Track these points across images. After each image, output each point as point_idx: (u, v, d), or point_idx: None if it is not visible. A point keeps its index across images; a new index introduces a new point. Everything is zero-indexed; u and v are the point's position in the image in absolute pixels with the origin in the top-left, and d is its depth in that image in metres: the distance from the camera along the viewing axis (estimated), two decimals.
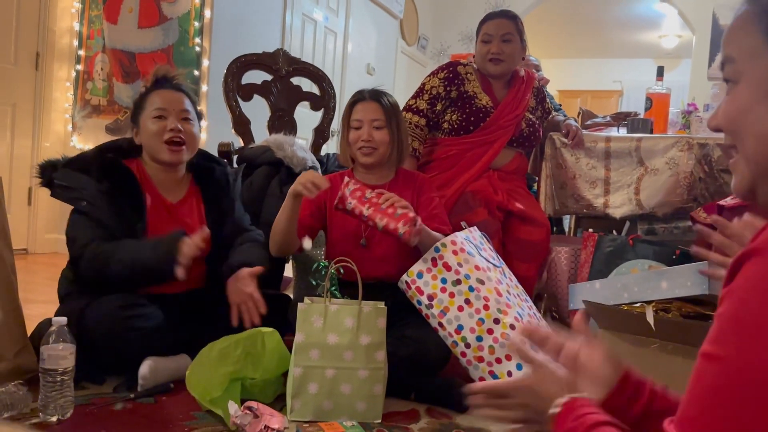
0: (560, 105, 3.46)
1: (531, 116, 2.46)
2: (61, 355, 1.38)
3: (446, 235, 1.83)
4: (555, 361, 0.84)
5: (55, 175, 1.75)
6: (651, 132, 2.55)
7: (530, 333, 0.88)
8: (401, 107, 2.43)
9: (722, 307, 0.55)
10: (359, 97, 1.95)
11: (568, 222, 3.31)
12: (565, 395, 0.75)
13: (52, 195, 1.77)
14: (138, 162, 1.86)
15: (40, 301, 2.41)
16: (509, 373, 1.66)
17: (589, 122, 3.01)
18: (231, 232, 1.93)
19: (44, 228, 4.01)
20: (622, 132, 2.65)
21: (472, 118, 2.35)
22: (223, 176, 1.98)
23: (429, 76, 2.44)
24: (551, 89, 3.81)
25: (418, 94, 2.41)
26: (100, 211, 1.70)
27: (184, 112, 1.84)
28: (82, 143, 3.91)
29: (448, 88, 2.38)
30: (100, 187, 1.72)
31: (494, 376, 1.68)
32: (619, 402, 0.76)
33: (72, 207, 1.76)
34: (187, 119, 1.84)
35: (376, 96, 1.93)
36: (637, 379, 0.79)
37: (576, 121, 2.78)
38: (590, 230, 2.34)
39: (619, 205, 2.45)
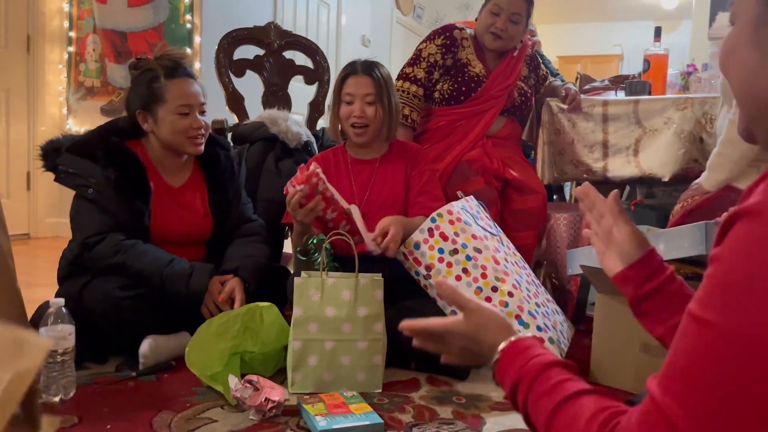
0: (557, 70, 3.41)
1: (523, 85, 2.43)
2: (60, 335, 1.39)
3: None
4: (598, 223, 0.94)
5: (59, 161, 1.72)
6: (649, 94, 2.51)
7: (585, 194, 0.97)
8: (396, 75, 2.40)
9: (711, 268, 0.54)
10: (351, 71, 1.91)
11: (569, 189, 3.29)
12: (504, 339, 0.76)
13: (56, 180, 1.74)
14: (141, 145, 1.83)
15: (42, 285, 2.42)
16: None
17: (587, 87, 2.97)
18: (235, 220, 1.92)
19: (45, 212, 4.02)
20: (621, 95, 2.61)
21: (464, 88, 2.31)
22: (228, 163, 1.94)
23: (425, 41, 2.40)
24: (550, 55, 3.74)
25: (415, 61, 2.37)
26: (108, 200, 1.68)
27: (203, 105, 1.81)
28: (78, 126, 3.89)
29: (445, 56, 2.34)
30: (106, 173, 1.69)
31: None
32: (638, 275, 0.87)
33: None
34: (203, 111, 1.82)
35: (368, 69, 1.89)
36: (660, 260, 0.87)
37: (574, 85, 2.74)
38: None
39: (618, 169, 2.43)
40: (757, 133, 0.64)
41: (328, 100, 2.88)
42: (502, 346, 0.76)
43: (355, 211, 1.69)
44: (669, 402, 0.54)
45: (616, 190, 0.93)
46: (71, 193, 1.77)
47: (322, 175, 1.60)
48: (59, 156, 1.73)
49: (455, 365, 1.65)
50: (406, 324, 0.85)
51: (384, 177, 1.93)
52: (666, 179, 2.31)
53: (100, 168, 1.70)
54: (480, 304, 0.83)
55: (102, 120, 3.69)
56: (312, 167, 1.60)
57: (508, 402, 0.74)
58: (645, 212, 2.18)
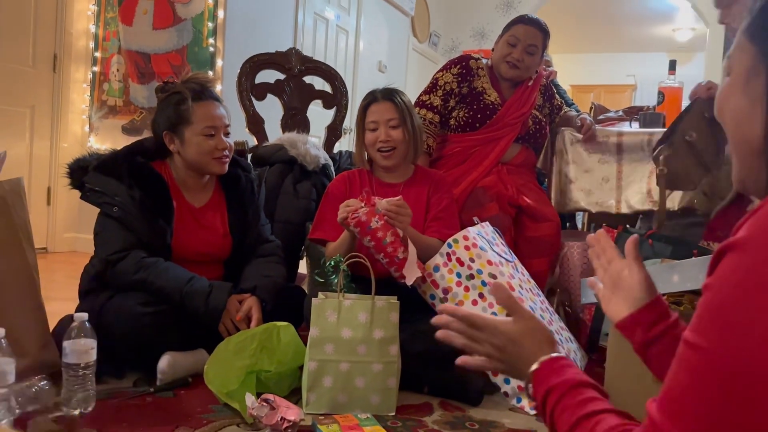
0: (572, 100, 3.45)
1: (538, 114, 2.47)
2: (82, 350, 1.42)
3: (443, 240, 1.84)
4: (605, 270, 0.95)
5: (86, 179, 1.77)
6: (664, 126, 2.53)
7: (596, 240, 1.00)
8: (413, 102, 2.45)
9: (703, 297, 0.59)
10: (372, 99, 1.96)
11: (581, 218, 3.30)
12: (548, 352, 0.79)
13: (82, 198, 1.79)
14: (165, 165, 1.88)
15: (60, 299, 2.46)
16: None
17: (601, 117, 3.00)
18: (253, 241, 1.96)
19: (63, 227, 4.08)
20: (635, 127, 2.64)
21: (479, 115, 2.36)
22: (249, 184, 1.99)
23: (441, 70, 2.46)
24: (564, 84, 3.79)
25: (431, 89, 2.42)
26: (132, 218, 1.73)
27: (228, 126, 1.86)
28: (100, 143, 3.97)
29: (461, 85, 2.39)
30: (131, 193, 1.74)
31: None
32: (647, 318, 0.88)
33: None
34: (228, 133, 1.87)
35: (388, 95, 1.94)
36: (666, 305, 0.89)
37: (589, 115, 2.77)
38: (604, 225, 2.34)
39: (631, 200, 2.44)
40: (747, 180, 0.68)
41: (346, 123, 2.94)
42: (544, 357, 0.79)
43: (412, 251, 1.70)
44: (665, 422, 0.58)
45: (635, 236, 0.94)
46: (90, 208, 1.82)
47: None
48: (86, 174, 1.78)
49: (468, 384, 1.67)
50: (446, 307, 0.88)
51: (407, 200, 1.96)
52: (675, 208, 2.32)
53: (126, 187, 1.75)
54: (533, 314, 0.86)
55: (123, 138, 3.77)
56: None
57: (521, 429, 0.77)
58: (661, 246, 2.19)
